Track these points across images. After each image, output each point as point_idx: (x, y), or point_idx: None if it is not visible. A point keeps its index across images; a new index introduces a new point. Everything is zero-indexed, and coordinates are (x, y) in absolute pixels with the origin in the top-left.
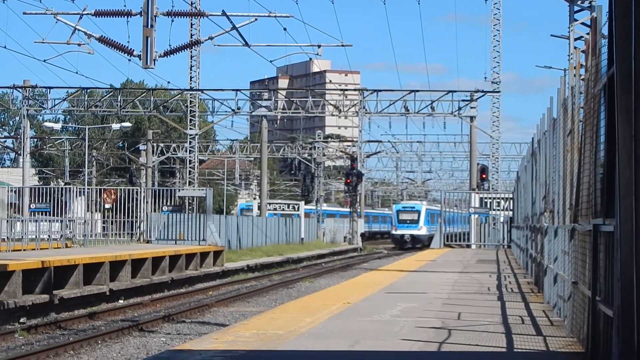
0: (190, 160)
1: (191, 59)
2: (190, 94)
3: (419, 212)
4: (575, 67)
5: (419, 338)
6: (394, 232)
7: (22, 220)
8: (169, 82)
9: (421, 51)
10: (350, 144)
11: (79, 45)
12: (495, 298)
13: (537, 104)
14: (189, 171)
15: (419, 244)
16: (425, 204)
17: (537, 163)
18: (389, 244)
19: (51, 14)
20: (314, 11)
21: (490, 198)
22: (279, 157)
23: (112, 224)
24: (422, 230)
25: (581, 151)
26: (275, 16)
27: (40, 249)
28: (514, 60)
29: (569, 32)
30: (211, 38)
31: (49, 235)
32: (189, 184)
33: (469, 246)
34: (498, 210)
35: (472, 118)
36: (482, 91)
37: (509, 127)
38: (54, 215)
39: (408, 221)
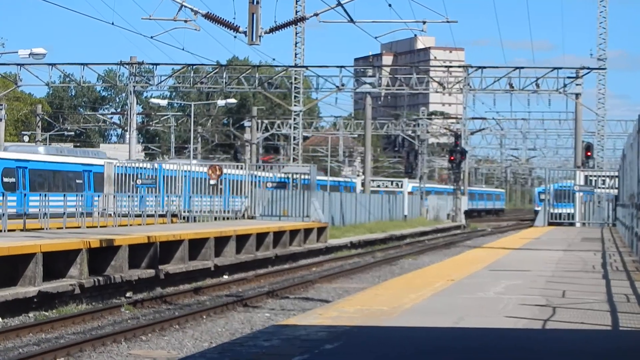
0: (294, 137)
1: (296, 35)
2: (295, 71)
3: None
4: None
5: (523, 315)
6: (536, 208)
7: (128, 196)
8: (273, 59)
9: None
10: (454, 121)
11: (186, 21)
12: (600, 276)
13: None
14: (293, 147)
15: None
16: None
17: None
18: (492, 221)
19: None
20: None
21: (595, 176)
22: (383, 133)
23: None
24: None
25: None
26: None
27: (146, 224)
28: (621, 37)
29: None
30: (316, 14)
31: (155, 211)
32: (293, 161)
33: (572, 224)
34: (603, 188)
35: (577, 95)
36: (588, 68)
37: (615, 104)
38: (159, 191)
39: None
